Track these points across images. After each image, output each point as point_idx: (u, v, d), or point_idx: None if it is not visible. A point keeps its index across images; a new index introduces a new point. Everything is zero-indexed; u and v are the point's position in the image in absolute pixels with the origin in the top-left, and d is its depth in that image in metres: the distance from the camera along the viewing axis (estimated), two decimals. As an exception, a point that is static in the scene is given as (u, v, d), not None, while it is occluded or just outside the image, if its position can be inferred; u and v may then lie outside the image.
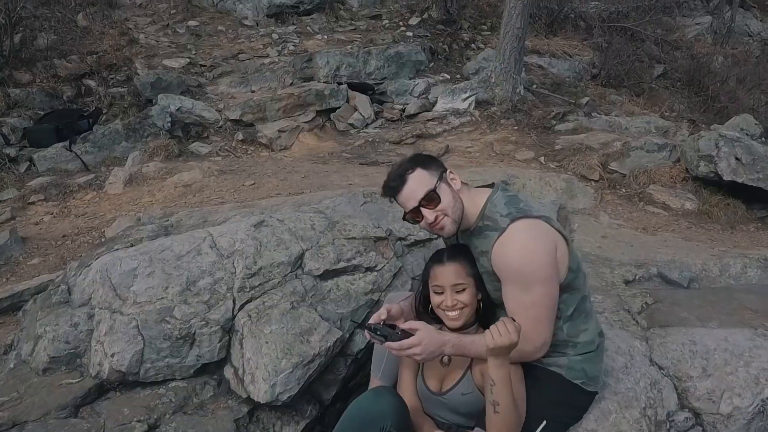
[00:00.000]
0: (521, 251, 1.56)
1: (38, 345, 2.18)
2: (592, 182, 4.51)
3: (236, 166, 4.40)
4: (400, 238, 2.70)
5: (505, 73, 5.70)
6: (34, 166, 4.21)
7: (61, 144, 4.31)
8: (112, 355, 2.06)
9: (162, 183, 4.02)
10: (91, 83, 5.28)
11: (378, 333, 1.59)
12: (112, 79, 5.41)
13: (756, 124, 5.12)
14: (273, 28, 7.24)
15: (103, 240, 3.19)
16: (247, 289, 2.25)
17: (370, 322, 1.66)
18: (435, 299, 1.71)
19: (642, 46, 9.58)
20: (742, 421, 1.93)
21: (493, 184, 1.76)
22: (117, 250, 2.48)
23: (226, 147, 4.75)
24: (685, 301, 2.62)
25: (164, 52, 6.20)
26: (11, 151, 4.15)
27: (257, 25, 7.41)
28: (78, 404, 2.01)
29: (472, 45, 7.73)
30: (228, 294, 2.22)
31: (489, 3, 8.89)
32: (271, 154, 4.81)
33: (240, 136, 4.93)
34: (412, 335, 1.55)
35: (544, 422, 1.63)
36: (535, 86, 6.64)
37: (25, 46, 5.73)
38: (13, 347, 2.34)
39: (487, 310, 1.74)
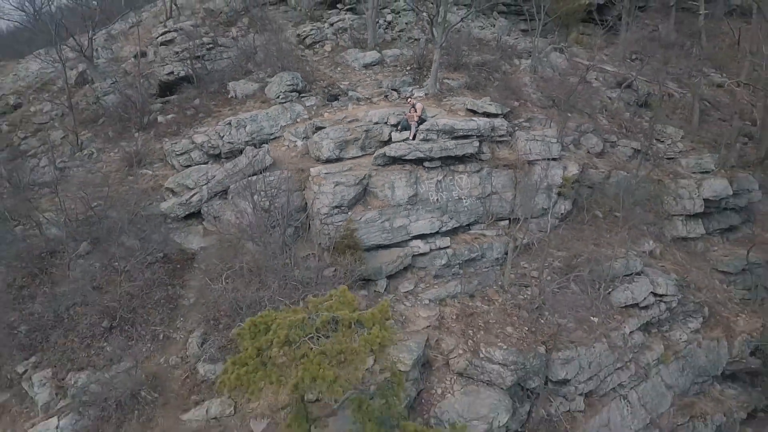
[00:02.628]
0: (418, 104, 19.15)
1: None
2: (447, 110, 21.84)
3: (372, 106, 21.79)
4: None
5: (431, 85, 23.02)
6: (332, 105, 21.57)
7: (336, 102, 21.65)
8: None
9: (357, 110, 21.46)
10: (332, 87, 22.57)
11: (404, 116, 19.17)
12: (334, 87, 22.67)
13: (489, 98, 22.43)
14: (365, 71, 24.49)
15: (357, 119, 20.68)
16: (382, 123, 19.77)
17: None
18: (410, 111, 19.24)
19: (492, 74, 27.04)
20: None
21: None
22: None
23: (365, 103, 22.05)
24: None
25: (340, 79, 23.51)
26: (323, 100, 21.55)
27: (359, 70, 24.65)
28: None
29: (428, 75, 25.08)
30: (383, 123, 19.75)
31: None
32: (375, 105, 22.14)
33: (368, 101, 22.26)
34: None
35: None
36: (445, 90, 23.92)
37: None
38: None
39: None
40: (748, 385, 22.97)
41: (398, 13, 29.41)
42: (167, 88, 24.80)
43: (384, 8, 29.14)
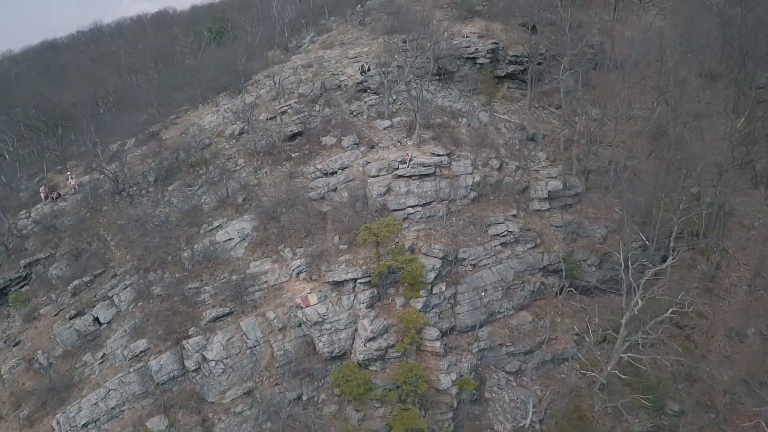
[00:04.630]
0: (410, 151, 51.04)
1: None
2: (422, 152, 53.38)
3: (390, 151, 53.43)
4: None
5: (415, 138, 54.46)
6: (371, 150, 53.03)
7: (373, 149, 53.16)
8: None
9: (383, 152, 53.19)
10: (370, 141, 53.89)
11: (404, 156, 51.06)
12: (371, 141, 53.97)
13: (441, 145, 53.88)
14: (385, 131, 55.81)
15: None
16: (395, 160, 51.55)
17: None
18: (406, 154, 50.99)
19: (445, 129, 58.66)
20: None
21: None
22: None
23: (386, 149, 53.46)
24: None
25: (373, 136, 54.95)
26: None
27: (382, 130, 55.89)
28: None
29: (414, 133, 56.64)
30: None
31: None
32: (390, 150, 53.58)
33: (387, 148, 53.72)
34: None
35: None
36: (421, 140, 55.29)
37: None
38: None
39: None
40: (562, 277, 54.85)
41: (399, 93, 60.72)
42: (289, 138, 55.94)
43: (392, 89, 60.29)
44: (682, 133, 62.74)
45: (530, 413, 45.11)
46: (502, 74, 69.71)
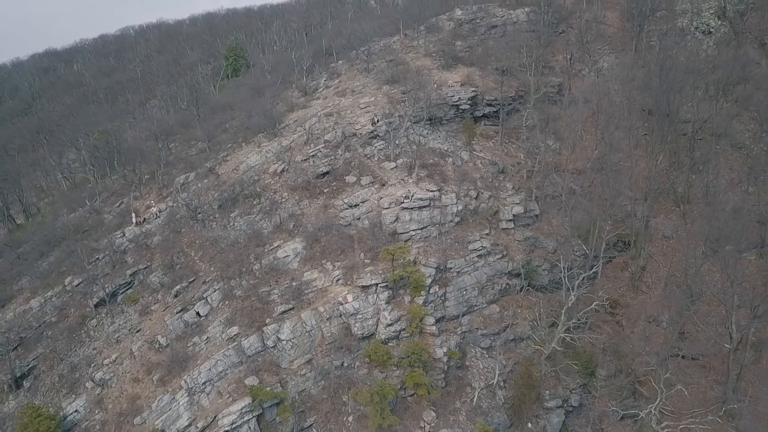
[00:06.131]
0: (412, 188, 74.26)
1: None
2: (420, 188, 76.29)
3: (397, 188, 76.37)
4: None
5: (415, 177, 77.26)
6: (383, 187, 75.89)
7: (384, 186, 76.01)
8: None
9: (392, 189, 76.14)
10: (381, 180, 76.67)
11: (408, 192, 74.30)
12: (382, 180, 76.69)
13: (434, 183, 76.88)
14: (392, 171, 78.20)
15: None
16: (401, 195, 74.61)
17: None
18: (409, 191, 74.18)
19: (436, 168, 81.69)
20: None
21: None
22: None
23: (394, 186, 76.29)
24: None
25: (383, 176, 77.59)
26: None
27: (389, 171, 78.39)
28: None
29: (414, 172, 79.49)
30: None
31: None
32: (397, 187, 76.47)
33: (395, 185, 76.56)
34: None
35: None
36: (419, 179, 78.08)
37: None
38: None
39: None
40: (522, 279, 78.62)
41: (400, 138, 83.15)
42: (320, 176, 78.20)
43: (395, 136, 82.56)
44: (618, 164, 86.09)
45: (497, 375, 68.50)
46: (480, 115, 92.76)
